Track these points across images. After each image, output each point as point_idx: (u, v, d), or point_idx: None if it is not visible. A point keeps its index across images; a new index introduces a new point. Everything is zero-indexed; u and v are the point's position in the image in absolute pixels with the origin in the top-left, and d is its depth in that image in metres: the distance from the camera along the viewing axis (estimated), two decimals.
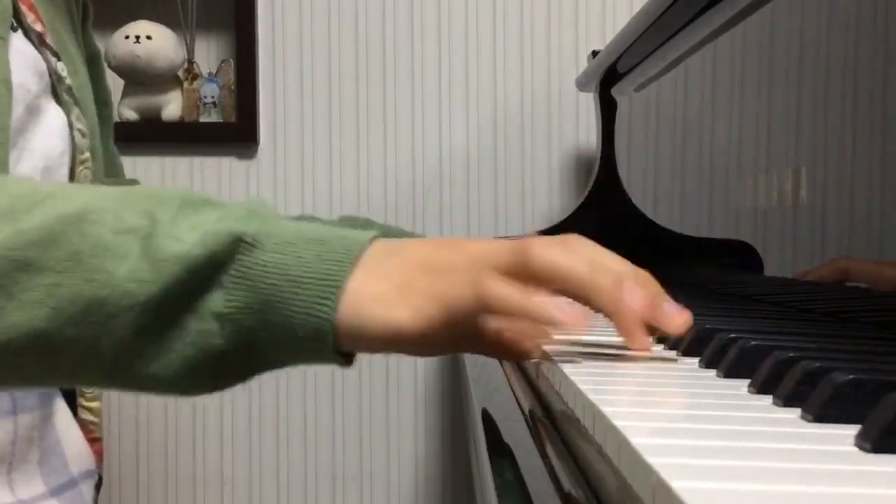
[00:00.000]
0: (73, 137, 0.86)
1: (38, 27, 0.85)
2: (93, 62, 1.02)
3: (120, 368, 0.53)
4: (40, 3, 0.87)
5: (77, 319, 0.52)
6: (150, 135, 1.79)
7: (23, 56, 0.82)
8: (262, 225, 0.53)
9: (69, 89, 0.86)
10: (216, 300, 0.52)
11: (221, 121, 1.82)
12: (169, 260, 0.51)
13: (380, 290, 0.54)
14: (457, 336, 0.55)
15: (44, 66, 0.84)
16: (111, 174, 1.03)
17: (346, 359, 0.57)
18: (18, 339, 0.52)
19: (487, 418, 0.63)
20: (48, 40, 0.85)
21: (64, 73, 0.86)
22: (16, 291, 0.51)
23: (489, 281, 0.52)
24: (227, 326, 0.52)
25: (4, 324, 0.52)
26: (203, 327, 0.52)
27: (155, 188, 0.57)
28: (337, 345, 0.54)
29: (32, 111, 0.82)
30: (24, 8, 0.84)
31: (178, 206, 0.54)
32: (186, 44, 1.80)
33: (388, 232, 0.94)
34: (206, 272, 0.52)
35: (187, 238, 0.52)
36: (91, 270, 0.51)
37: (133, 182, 1.07)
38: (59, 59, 0.86)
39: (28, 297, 0.51)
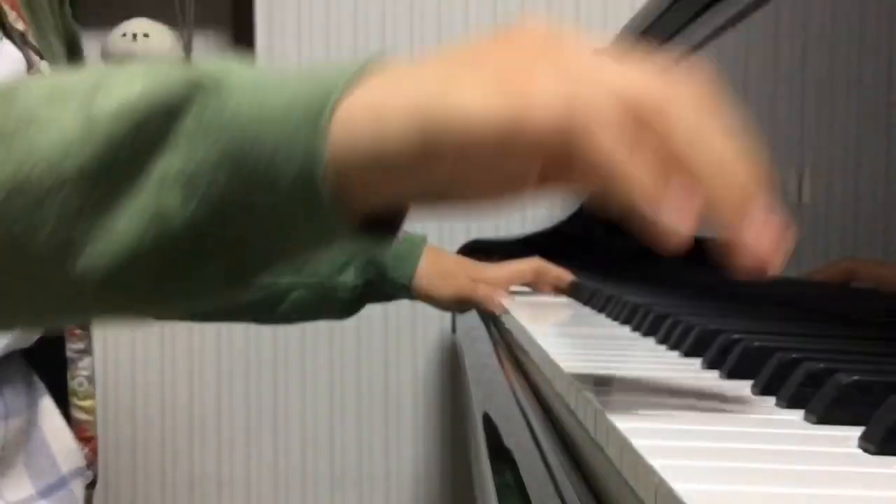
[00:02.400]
0: None
1: (21, 25, 0.84)
2: (71, 46, 1.00)
3: (71, 268, 0.40)
4: (23, 0, 0.85)
5: (6, 203, 0.40)
6: None
7: (8, 60, 0.81)
8: (229, 68, 0.41)
9: None
10: (172, 159, 0.39)
11: None
12: (107, 116, 0.39)
13: (390, 92, 0.38)
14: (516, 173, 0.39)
15: (24, 67, 0.83)
16: None
17: (376, 223, 0.41)
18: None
19: (488, 420, 0.63)
20: (31, 39, 0.84)
21: (47, 73, 0.85)
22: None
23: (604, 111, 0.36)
24: (188, 190, 0.39)
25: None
26: (160, 199, 0.39)
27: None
28: (346, 191, 0.38)
29: None
30: (6, 7, 0.83)
31: (142, 69, 0.41)
32: (184, 42, 1.80)
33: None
34: (155, 124, 0.39)
35: (131, 91, 0.39)
36: (10, 148, 0.40)
37: None
38: (42, 58, 0.85)
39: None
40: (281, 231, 0.40)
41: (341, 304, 1.06)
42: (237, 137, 0.38)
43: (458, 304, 1.08)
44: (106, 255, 0.40)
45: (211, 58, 0.43)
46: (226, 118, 0.39)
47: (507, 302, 1.00)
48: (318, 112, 0.38)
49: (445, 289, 1.06)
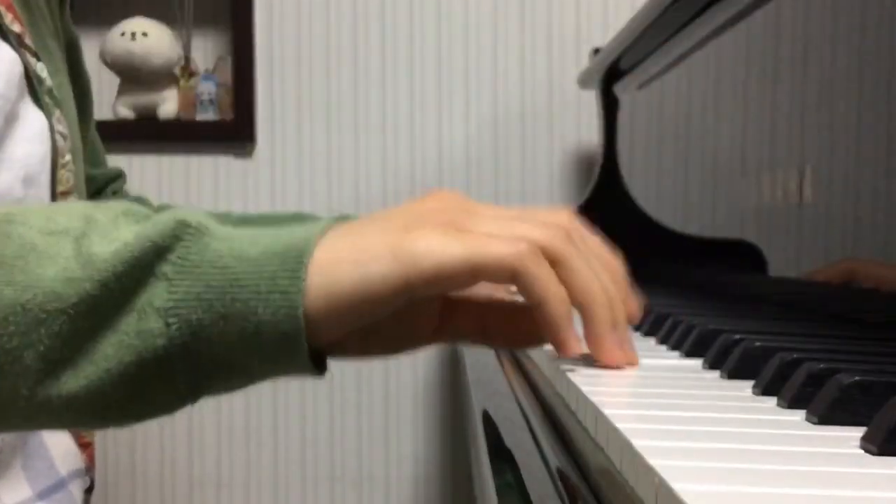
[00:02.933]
0: (53, 141, 0.84)
1: (17, 27, 0.83)
2: (71, 49, 1.00)
3: (46, 387, 0.45)
4: (19, 2, 0.85)
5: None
6: (146, 133, 1.79)
7: (4, 61, 0.81)
8: (208, 221, 0.47)
9: (50, 91, 0.84)
10: (159, 293, 0.44)
11: (218, 119, 1.81)
12: (104, 256, 0.45)
13: (361, 245, 0.46)
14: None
15: (20, 68, 0.83)
16: (96, 165, 1.02)
17: (319, 360, 0.48)
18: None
19: (488, 420, 0.63)
20: (27, 41, 0.84)
21: (44, 75, 0.84)
22: None
23: (532, 253, 0.48)
24: (171, 322, 0.44)
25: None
26: (143, 326, 0.44)
27: (95, 202, 0.52)
28: (310, 332, 0.45)
29: (11, 119, 0.80)
30: (2, 9, 0.82)
31: (119, 213, 0.48)
32: (183, 41, 1.80)
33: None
34: (146, 262, 0.45)
35: (124, 235, 0.46)
36: (13, 273, 0.45)
37: (118, 173, 1.05)
38: (38, 60, 0.85)
39: None
40: (247, 359, 0.46)
41: None
42: (218, 276, 0.45)
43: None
44: (88, 377, 0.45)
45: (189, 210, 0.48)
46: (208, 257, 0.45)
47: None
48: (296, 259, 0.45)
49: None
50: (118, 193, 1.04)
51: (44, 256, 0.45)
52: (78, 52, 1.01)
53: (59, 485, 0.90)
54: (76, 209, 0.48)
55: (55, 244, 0.46)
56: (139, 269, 0.45)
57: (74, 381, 0.45)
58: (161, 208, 0.92)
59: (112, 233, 0.46)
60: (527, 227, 0.49)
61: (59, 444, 0.91)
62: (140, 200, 1.04)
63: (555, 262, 0.49)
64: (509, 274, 0.47)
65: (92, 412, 0.46)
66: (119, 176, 1.06)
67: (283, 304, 0.44)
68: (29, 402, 0.45)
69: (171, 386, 0.46)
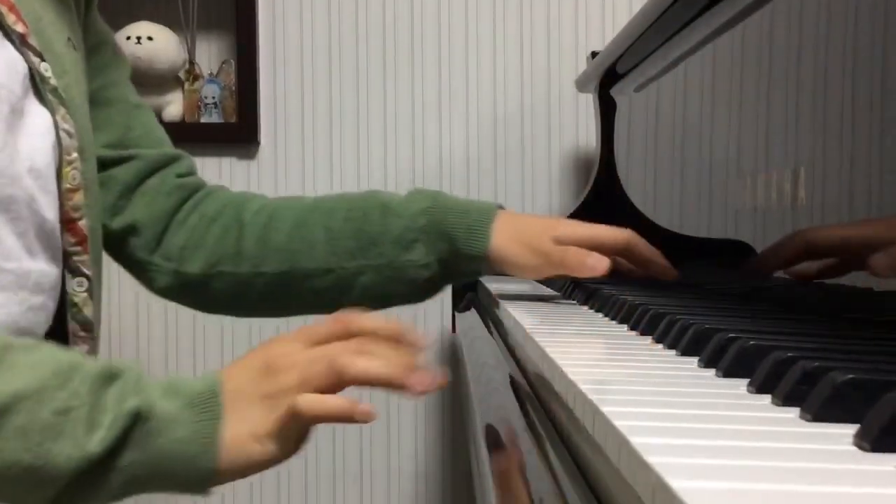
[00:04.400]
0: (59, 138, 0.85)
1: (20, 28, 0.84)
2: (99, 50, 1.02)
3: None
4: (25, 2, 0.86)
5: (13, 479, 0.64)
6: None
7: (7, 61, 0.82)
8: (146, 397, 0.68)
9: (54, 90, 0.85)
10: (121, 460, 0.67)
11: (222, 121, 1.82)
12: (91, 443, 0.65)
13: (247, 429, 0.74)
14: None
15: (24, 66, 0.83)
16: (148, 145, 1.03)
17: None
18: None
19: (487, 418, 0.63)
20: (30, 41, 0.85)
21: (48, 74, 0.85)
22: None
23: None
24: (122, 476, 0.67)
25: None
26: (109, 479, 0.67)
27: (70, 358, 0.69)
28: (221, 481, 0.74)
29: (15, 113, 0.81)
30: (4, 9, 0.83)
31: (95, 381, 0.67)
32: (187, 45, 1.81)
33: (453, 203, 0.98)
34: (116, 445, 0.66)
35: (105, 421, 0.66)
36: (31, 443, 0.64)
37: (177, 156, 1.06)
38: (42, 60, 0.85)
39: None
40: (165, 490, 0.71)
41: (415, 285, 0.99)
42: (157, 452, 0.69)
43: (546, 271, 0.95)
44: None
45: (136, 380, 0.70)
46: (152, 440, 0.68)
47: (604, 263, 0.91)
48: (207, 444, 0.72)
49: (530, 256, 0.95)
50: (184, 177, 1.04)
51: (52, 434, 0.65)
52: (106, 54, 1.02)
53: None
54: (68, 384, 0.67)
55: (59, 425, 0.65)
56: (112, 449, 0.67)
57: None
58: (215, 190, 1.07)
59: (95, 420, 0.66)
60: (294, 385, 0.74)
61: None
62: (200, 186, 1.07)
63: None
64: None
65: None
66: (178, 158, 1.05)
67: (203, 476, 0.73)
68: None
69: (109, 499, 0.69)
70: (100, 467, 0.66)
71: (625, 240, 0.96)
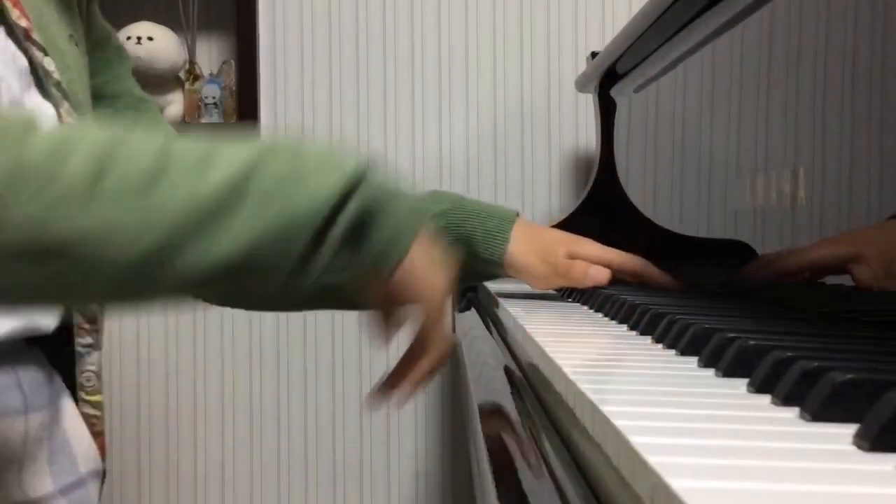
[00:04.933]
0: None
1: (24, 23, 0.84)
2: (102, 46, 1.02)
3: (293, 278, 0.63)
4: (28, 2, 0.86)
5: (276, 235, 0.61)
6: None
7: (3, 52, 0.82)
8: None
9: (58, 84, 0.86)
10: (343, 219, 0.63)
11: (222, 121, 1.82)
12: (323, 191, 0.62)
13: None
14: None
15: (24, 61, 0.84)
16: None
17: None
18: (219, 269, 0.61)
19: (487, 417, 0.63)
20: (34, 35, 0.85)
21: (51, 68, 0.86)
22: (224, 219, 0.60)
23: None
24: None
25: (220, 242, 0.60)
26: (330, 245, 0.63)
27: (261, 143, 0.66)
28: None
29: (15, 107, 0.82)
30: (8, 4, 0.83)
31: (295, 153, 0.64)
32: (188, 45, 1.81)
33: (474, 205, 1.02)
34: (347, 190, 0.62)
35: (331, 174, 0.63)
36: (274, 206, 0.61)
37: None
38: (46, 55, 0.86)
39: (227, 233, 0.60)
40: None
41: None
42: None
43: (553, 282, 1.02)
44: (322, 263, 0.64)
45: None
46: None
47: (604, 274, 0.96)
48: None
49: (540, 266, 1.00)
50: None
51: (283, 196, 0.62)
52: (109, 50, 1.03)
53: (80, 483, 0.91)
54: (282, 153, 0.64)
55: (285, 187, 0.62)
56: (344, 196, 0.63)
57: (310, 273, 0.63)
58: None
59: (315, 179, 0.63)
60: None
61: (81, 443, 0.92)
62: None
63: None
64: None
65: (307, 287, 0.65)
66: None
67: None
68: (283, 287, 0.64)
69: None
70: (326, 228, 0.63)
71: (635, 267, 1.01)
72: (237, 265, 0.61)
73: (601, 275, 0.97)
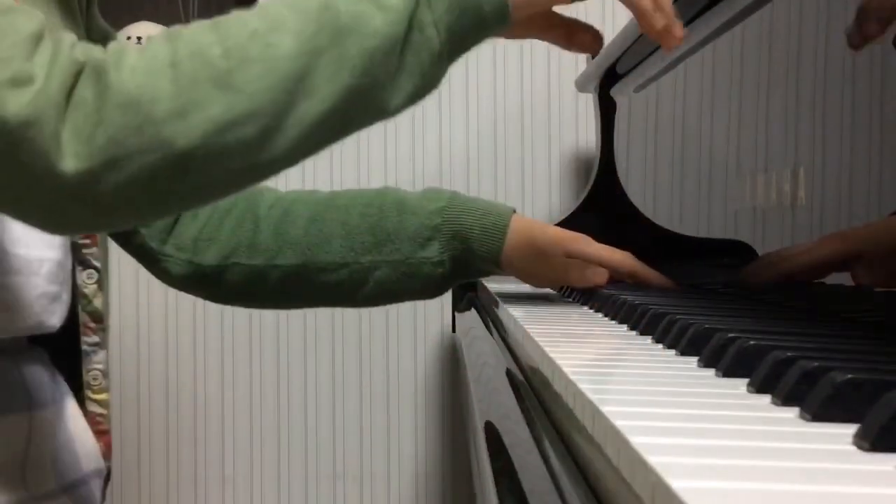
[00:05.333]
0: None
1: None
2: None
3: (389, 85, 0.72)
4: (31, 2, 0.87)
5: (368, 68, 0.71)
6: None
7: None
8: None
9: None
10: (427, 14, 0.72)
11: None
12: (398, 5, 0.72)
13: None
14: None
15: None
16: None
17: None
18: (337, 100, 0.70)
19: (488, 418, 0.63)
20: None
21: None
22: (320, 71, 0.70)
23: None
24: (440, 28, 0.73)
25: (323, 95, 0.70)
26: (427, 34, 0.73)
27: None
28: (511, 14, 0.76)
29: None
30: None
31: None
32: None
33: (470, 202, 1.05)
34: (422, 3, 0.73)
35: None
36: (360, 33, 0.71)
37: None
38: None
39: (330, 70, 0.70)
40: (476, 39, 0.76)
41: (428, 282, 1.01)
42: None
43: (550, 281, 1.04)
44: (402, 81, 0.74)
45: None
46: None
47: (602, 277, 0.97)
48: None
49: (538, 265, 1.00)
50: None
51: (366, 16, 0.71)
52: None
53: (82, 481, 0.91)
54: None
55: (365, 8, 0.71)
56: (417, 6, 0.73)
57: (400, 78, 0.73)
58: None
59: None
60: None
61: (85, 442, 0.92)
62: None
63: None
64: None
65: (404, 90, 0.74)
66: None
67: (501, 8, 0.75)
68: (381, 99, 0.73)
69: (441, 66, 0.75)
70: (417, 25, 0.72)
71: (632, 268, 1.00)
72: (346, 104, 0.71)
73: (599, 277, 0.98)
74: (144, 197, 0.68)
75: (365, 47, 0.71)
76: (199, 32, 0.73)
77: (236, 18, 0.72)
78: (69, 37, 0.69)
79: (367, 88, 0.71)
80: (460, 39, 0.75)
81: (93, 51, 0.68)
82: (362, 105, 0.72)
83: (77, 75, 0.66)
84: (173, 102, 0.66)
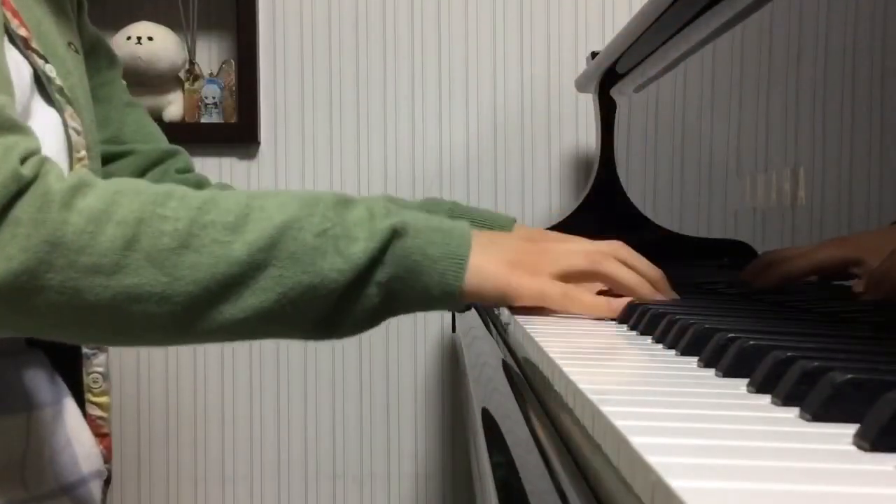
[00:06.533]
0: (68, 136, 0.86)
1: (23, 32, 0.85)
2: (94, 51, 1.03)
3: (319, 328, 0.74)
4: (25, 9, 0.87)
5: (295, 300, 0.71)
6: None
7: (11, 63, 0.82)
8: (399, 218, 0.74)
9: (60, 89, 0.86)
10: (379, 273, 0.73)
11: (222, 121, 1.82)
12: (355, 254, 0.72)
13: (493, 266, 0.76)
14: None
15: (29, 69, 0.84)
16: (146, 141, 1.07)
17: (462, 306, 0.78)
18: (252, 316, 0.71)
19: (487, 417, 0.63)
20: (33, 44, 0.86)
21: (53, 75, 0.86)
22: (251, 284, 0.70)
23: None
24: (381, 290, 0.74)
25: (243, 306, 0.70)
26: (370, 293, 0.73)
27: (303, 193, 0.76)
28: (459, 300, 0.75)
29: (24, 116, 0.82)
30: (7, 14, 0.84)
31: (339, 206, 0.74)
32: (188, 45, 1.81)
33: (472, 213, 1.06)
34: (377, 257, 0.73)
35: (361, 236, 0.73)
36: (305, 265, 0.71)
37: (175, 151, 1.10)
38: (46, 62, 0.86)
39: (260, 286, 0.71)
40: (419, 308, 0.77)
41: None
42: (410, 268, 0.74)
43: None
44: (351, 321, 0.75)
45: (385, 206, 0.76)
46: (404, 254, 0.74)
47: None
48: (458, 266, 0.75)
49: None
50: (183, 173, 1.09)
51: (319, 254, 0.72)
52: (100, 56, 1.04)
53: (82, 482, 0.91)
54: (316, 210, 0.73)
55: (322, 244, 0.72)
56: (374, 262, 0.73)
57: (336, 326, 0.74)
58: (222, 187, 1.11)
59: (349, 233, 0.73)
60: (572, 259, 0.79)
61: (84, 443, 0.92)
62: (201, 183, 1.10)
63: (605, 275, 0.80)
64: (565, 308, 0.78)
65: (340, 334, 0.76)
66: (174, 154, 1.10)
67: (447, 291, 0.74)
68: (307, 333, 0.75)
69: (374, 320, 0.76)
70: (363, 280, 0.73)
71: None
72: (259, 323, 0.71)
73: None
74: (52, 327, 0.71)
75: (304, 283, 0.71)
76: (168, 199, 0.71)
77: (216, 200, 0.72)
78: (26, 144, 0.70)
79: (289, 316, 0.72)
80: (400, 305, 0.76)
81: (49, 175, 0.69)
82: (278, 329, 0.74)
83: (18, 194, 0.66)
84: (101, 259, 0.67)
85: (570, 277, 0.78)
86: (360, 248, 0.72)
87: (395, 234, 0.73)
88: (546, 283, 0.77)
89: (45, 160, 0.70)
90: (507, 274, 0.76)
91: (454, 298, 0.75)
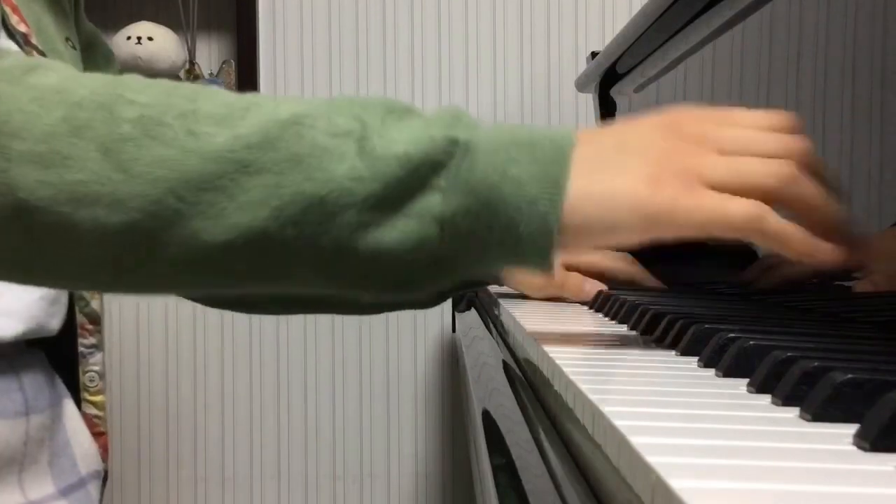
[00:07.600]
0: None
1: (23, 28, 0.85)
2: (92, 48, 1.03)
3: (335, 266, 0.52)
4: (24, 5, 0.87)
5: (297, 218, 0.51)
6: None
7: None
8: (469, 130, 0.53)
9: None
10: (434, 203, 0.51)
11: None
12: (386, 159, 0.51)
13: (609, 191, 0.52)
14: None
15: None
16: None
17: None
18: (238, 240, 0.51)
19: (487, 418, 0.63)
20: (33, 40, 0.86)
21: None
22: (236, 193, 0.50)
23: (764, 217, 0.53)
24: (446, 229, 0.52)
25: (225, 224, 0.50)
26: (423, 230, 0.52)
27: (353, 96, 0.56)
28: (558, 247, 0.52)
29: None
30: (7, 10, 0.84)
31: (384, 112, 0.54)
32: (188, 45, 1.81)
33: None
34: (423, 172, 0.51)
35: (401, 139, 0.52)
36: (310, 170, 0.51)
37: None
38: (45, 58, 0.87)
39: (249, 197, 0.50)
40: (498, 261, 0.53)
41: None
42: (486, 193, 0.51)
43: (548, 292, 0.99)
44: (366, 265, 0.52)
45: (454, 114, 0.55)
46: (477, 175, 0.51)
47: (597, 289, 0.94)
48: (553, 186, 0.51)
49: (537, 277, 0.97)
50: None
51: (333, 156, 0.51)
52: (98, 51, 1.04)
53: (80, 484, 0.91)
54: (346, 110, 0.53)
55: (340, 145, 0.51)
56: (417, 179, 0.51)
57: (360, 266, 0.52)
58: None
59: (386, 135, 0.52)
60: (758, 173, 0.54)
61: (82, 444, 0.92)
62: None
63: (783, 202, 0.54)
64: (748, 237, 0.53)
65: (369, 287, 0.54)
66: None
67: (542, 225, 0.51)
68: (322, 276, 0.53)
69: (431, 278, 0.53)
70: (400, 201, 0.51)
71: (629, 275, 1.00)
72: (253, 254, 0.52)
73: (596, 289, 0.97)
74: None
75: (307, 194, 0.51)
76: (139, 86, 0.54)
77: (217, 92, 0.55)
78: None
79: (295, 249, 0.52)
80: (469, 256, 0.53)
81: (3, 58, 0.56)
82: (287, 271, 0.53)
83: None
84: (40, 146, 0.51)
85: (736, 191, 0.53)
86: (397, 150, 0.51)
87: (455, 147, 0.52)
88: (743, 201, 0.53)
89: (7, 51, 0.58)
90: (638, 200, 0.52)
91: (551, 237, 0.52)
